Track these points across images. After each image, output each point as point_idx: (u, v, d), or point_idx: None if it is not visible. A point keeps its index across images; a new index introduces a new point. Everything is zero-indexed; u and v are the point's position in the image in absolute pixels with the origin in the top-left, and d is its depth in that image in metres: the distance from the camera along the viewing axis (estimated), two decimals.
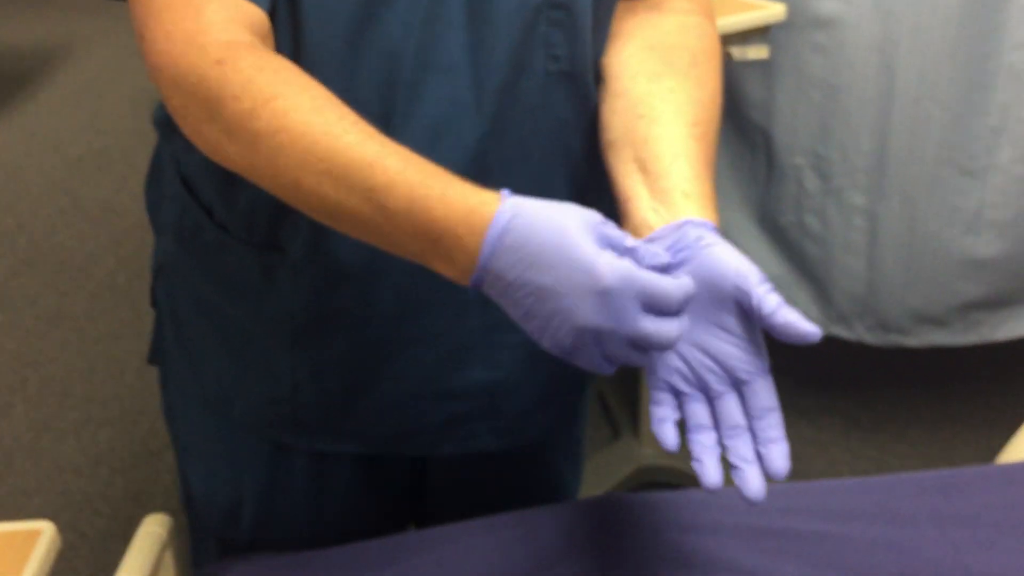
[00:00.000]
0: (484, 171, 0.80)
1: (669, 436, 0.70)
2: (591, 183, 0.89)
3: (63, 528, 1.88)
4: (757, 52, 1.57)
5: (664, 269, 0.68)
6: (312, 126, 0.67)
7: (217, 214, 0.87)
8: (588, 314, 0.64)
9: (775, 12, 1.55)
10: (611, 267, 0.63)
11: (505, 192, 0.66)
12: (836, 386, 2.16)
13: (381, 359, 0.88)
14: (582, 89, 0.84)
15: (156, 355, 1.00)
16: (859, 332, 1.87)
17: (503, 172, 0.82)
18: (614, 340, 0.65)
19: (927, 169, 1.69)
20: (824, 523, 0.88)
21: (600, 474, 1.90)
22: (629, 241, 0.67)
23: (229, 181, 0.82)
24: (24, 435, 2.08)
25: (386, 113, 0.77)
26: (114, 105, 3.40)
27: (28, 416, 2.13)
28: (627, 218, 0.77)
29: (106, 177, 3.00)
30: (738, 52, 1.56)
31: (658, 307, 0.65)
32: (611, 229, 0.67)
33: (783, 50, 1.68)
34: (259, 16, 0.74)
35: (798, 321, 0.67)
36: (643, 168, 0.77)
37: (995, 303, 1.80)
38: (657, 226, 0.74)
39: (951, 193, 1.70)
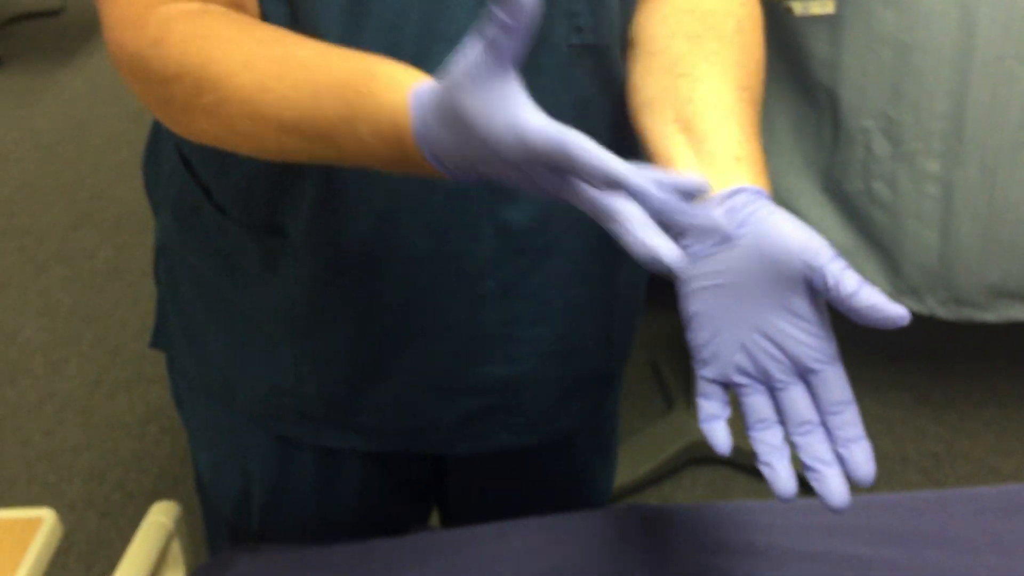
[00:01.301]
0: None
1: (721, 436, 0.63)
2: None
3: (112, 485, 1.91)
4: (822, 6, 1.46)
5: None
6: (247, 88, 0.63)
7: (215, 194, 0.82)
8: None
9: None
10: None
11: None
12: (905, 358, 2.06)
13: (388, 352, 0.83)
14: (608, 64, 0.76)
15: (160, 339, 0.95)
16: (931, 305, 1.76)
17: None
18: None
19: (1009, 134, 1.57)
20: (870, 546, 0.79)
21: (650, 448, 1.84)
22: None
23: (222, 158, 0.77)
24: (77, 390, 2.09)
25: None
26: None
27: (81, 371, 2.14)
28: None
29: None
30: (800, 7, 1.46)
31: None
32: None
33: (851, 4, 1.56)
34: None
35: (883, 303, 0.59)
36: (687, 128, 0.69)
37: None
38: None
39: None
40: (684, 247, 0.64)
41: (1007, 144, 1.59)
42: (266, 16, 0.70)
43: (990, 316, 1.75)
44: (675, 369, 2.02)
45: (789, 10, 1.46)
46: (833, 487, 0.62)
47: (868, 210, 1.74)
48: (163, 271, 0.93)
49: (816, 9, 1.46)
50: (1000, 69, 1.54)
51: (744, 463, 1.84)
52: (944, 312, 1.76)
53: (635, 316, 0.94)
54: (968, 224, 1.66)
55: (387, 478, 0.94)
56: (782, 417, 0.64)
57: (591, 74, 0.75)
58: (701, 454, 1.86)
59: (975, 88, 1.55)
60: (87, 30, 3.63)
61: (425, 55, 0.70)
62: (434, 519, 1.09)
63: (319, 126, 0.62)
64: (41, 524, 0.87)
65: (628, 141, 0.83)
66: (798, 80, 1.70)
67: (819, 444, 0.62)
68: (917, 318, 1.91)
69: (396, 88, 0.60)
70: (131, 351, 2.19)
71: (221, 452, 0.94)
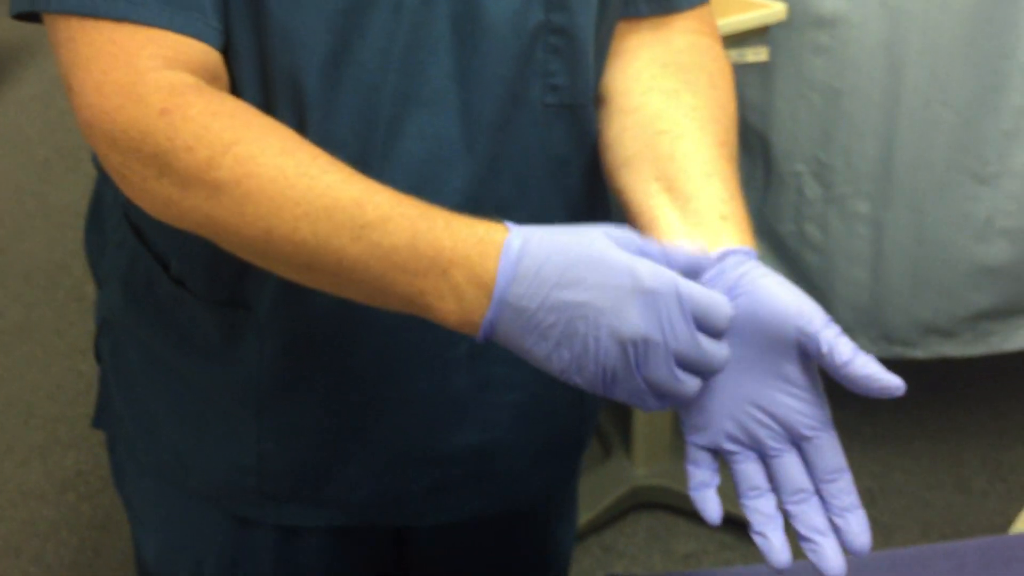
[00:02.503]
0: (476, 214, 0.71)
1: (712, 507, 0.62)
2: (591, 222, 0.81)
3: (28, 559, 1.81)
4: (756, 54, 1.49)
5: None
6: (284, 169, 0.60)
7: (173, 266, 0.78)
8: (634, 321, 0.57)
9: (775, 12, 1.47)
10: (654, 269, 0.57)
11: (509, 223, 0.60)
12: (836, 397, 2.08)
13: (359, 425, 0.79)
14: (583, 123, 0.75)
15: (102, 417, 0.90)
16: (862, 344, 1.79)
17: (498, 215, 0.73)
18: (660, 357, 0.58)
19: (936, 175, 1.62)
20: None
21: (592, 495, 1.82)
22: (655, 242, 0.60)
23: (184, 232, 0.73)
24: None
25: (365, 154, 0.68)
26: None
27: None
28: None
29: (76, 180, 2.88)
30: (735, 54, 1.47)
31: (706, 323, 0.58)
32: (633, 234, 0.60)
33: (782, 52, 1.60)
34: (204, 54, 0.65)
35: (878, 373, 0.59)
36: (669, 188, 0.68)
37: (1006, 312, 1.74)
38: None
39: (961, 200, 1.63)
40: None
41: (935, 185, 1.63)
42: (239, 79, 0.67)
43: (920, 353, 1.79)
44: (612, 415, 2.00)
45: None
46: (830, 557, 0.61)
47: (800, 251, 1.77)
48: (107, 347, 0.87)
49: (751, 57, 1.48)
50: (927, 113, 1.58)
51: (684, 507, 1.83)
52: (875, 350, 1.80)
53: None
54: (898, 264, 1.70)
55: (349, 555, 0.90)
56: (774, 485, 0.63)
57: (567, 133, 0.74)
58: (642, 500, 1.85)
59: (903, 131, 1.60)
60: None
61: (401, 117, 0.68)
62: None
63: (367, 217, 0.59)
64: None
65: (602, 200, 0.82)
66: None
67: (814, 513, 0.62)
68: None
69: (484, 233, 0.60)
70: (44, 415, 2.09)
71: (170, 536, 0.89)
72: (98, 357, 0.90)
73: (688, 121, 0.71)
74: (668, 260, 0.60)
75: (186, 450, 0.83)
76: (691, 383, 0.60)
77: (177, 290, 0.78)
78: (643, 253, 0.59)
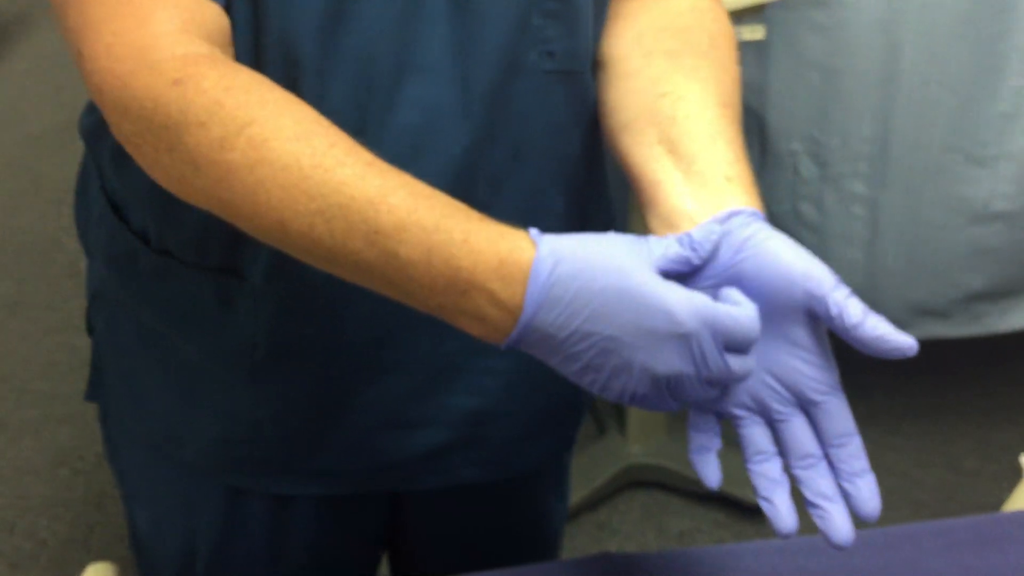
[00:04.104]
0: (471, 184, 0.71)
1: (711, 471, 0.61)
2: (588, 191, 0.81)
3: (21, 534, 1.81)
4: (752, 32, 1.48)
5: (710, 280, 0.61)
6: (299, 157, 0.57)
7: (154, 239, 0.77)
8: (668, 361, 0.56)
9: None
10: (689, 308, 0.56)
11: (534, 231, 0.58)
12: None
13: (352, 390, 0.79)
14: (581, 89, 0.74)
15: (95, 391, 0.89)
16: None
17: (492, 185, 0.73)
18: (692, 384, 0.58)
19: (933, 157, 1.61)
20: None
21: (585, 474, 1.82)
22: (672, 248, 0.59)
23: (172, 204, 0.72)
24: None
25: (361, 122, 0.67)
26: (76, 80, 3.26)
27: None
28: (654, 206, 0.66)
29: (69, 155, 2.86)
30: None
31: (735, 344, 0.58)
32: (658, 246, 0.59)
33: (779, 30, 1.59)
34: (218, 18, 0.64)
35: (890, 333, 0.58)
36: (673, 150, 0.67)
37: (999, 294, 1.75)
38: (696, 214, 0.64)
39: (958, 182, 1.62)
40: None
41: (931, 166, 1.62)
42: (235, 47, 0.66)
43: (913, 333, 1.78)
44: None
45: None
46: (838, 524, 0.60)
47: (795, 231, 1.76)
48: (98, 320, 0.87)
49: (747, 35, 1.47)
50: (925, 93, 1.57)
51: (678, 486, 1.84)
52: None
53: None
54: (893, 245, 1.69)
55: (341, 524, 0.90)
56: (782, 449, 0.62)
57: (565, 100, 0.73)
58: (635, 478, 1.85)
59: (900, 112, 1.59)
60: None
61: (398, 86, 0.68)
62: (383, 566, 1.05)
63: (380, 222, 0.57)
64: None
65: (599, 168, 0.81)
66: None
67: (822, 479, 0.61)
68: (837, 337, 1.95)
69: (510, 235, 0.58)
70: (36, 391, 2.09)
71: (163, 508, 0.89)
72: (90, 330, 0.89)
73: (690, 83, 0.69)
74: (691, 262, 0.59)
75: (178, 421, 0.83)
76: (714, 392, 0.60)
77: (162, 261, 0.77)
78: (667, 269, 0.58)
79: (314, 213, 0.57)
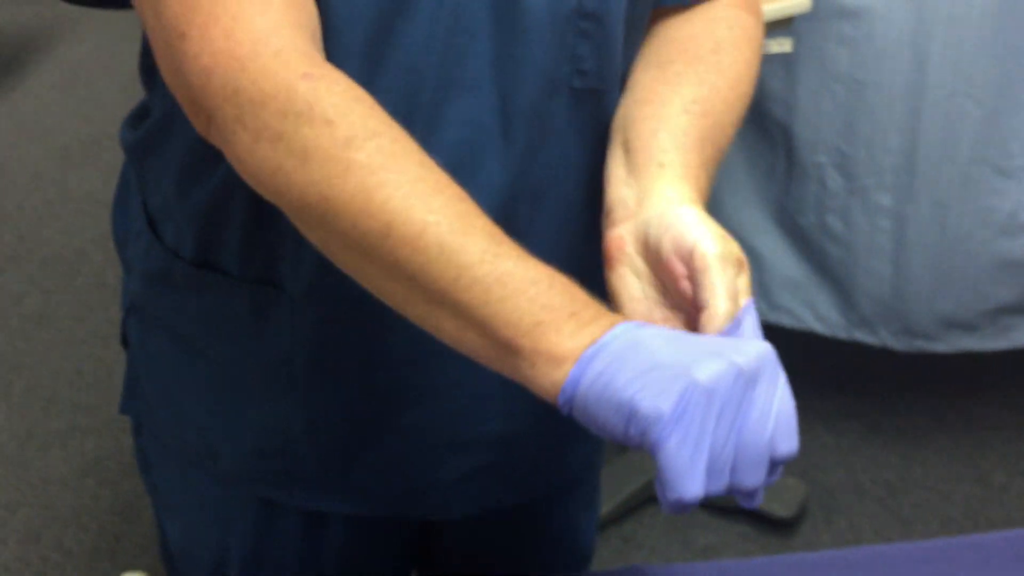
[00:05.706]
0: (513, 200, 0.72)
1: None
2: None
3: (48, 546, 1.82)
4: (779, 45, 1.48)
5: None
6: (424, 179, 0.59)
7: (192, 252, 0.78)
8: None
9: (799, 2, 1.46)
10: None
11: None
12: (856, 389, 2.08)
13: (390, 410, 0.79)
14: (609, 108, 0.75)
15: (129, 403, 0.90)
16: (883, 337, 1.78)
17: (532, 206, 0.74)
18: None
19: (960, 169, 1.60)
20: None
21: (611, 487, 1.82)
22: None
23: (213, 217, 0.73)
24: (7, 444, 2.00)
25: None
26: (103, 92, 3.30)
27: (11, 424, 2.05)
28: (604, 201, 0.70)
29: (95, 168, 2.89)
30: None
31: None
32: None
33: (806, 43, 1.59)
34: (316, 19, 0.63)
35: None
36: (627, 148, 0.70)
37: None
38: (631, 202, 0.67)
39: (985, 194, 1.61)
40: None
41: (958, 178, 1.62)
42: None
43: (941, 347, 1.78)
44: None
45: None
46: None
47: (822, 243, 1.76)
48: (133, 332, 0.88)
49: (774, 48, 1.47)
50: (951, 105, 1.57)
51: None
52: (897, 344, 1.79)
53: None
54: (920, 257, 1.69)
55: (372, 542, 0.90)
56: None
57: (593, 119, 0.74)
58: None
59: (927, 124, 1.58)
60: (5, 65, 3.52)
61: (441, 103, 0.68)
62: None
63: (466, 268, 0.57)
64: None
65: None
66: (753, 116, 1.72)
67: None
68: (867, 349, 1.94)
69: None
70: (64, 401, 2.10)
71: (195, 520, 0.89)
72: (125, 342, 0.90)
73: (664, 87, 0.72)
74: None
75: (214, 433, 0.83)
76: None
77: (198, 273, 0.77)
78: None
79: (429, 225, 0.57)
